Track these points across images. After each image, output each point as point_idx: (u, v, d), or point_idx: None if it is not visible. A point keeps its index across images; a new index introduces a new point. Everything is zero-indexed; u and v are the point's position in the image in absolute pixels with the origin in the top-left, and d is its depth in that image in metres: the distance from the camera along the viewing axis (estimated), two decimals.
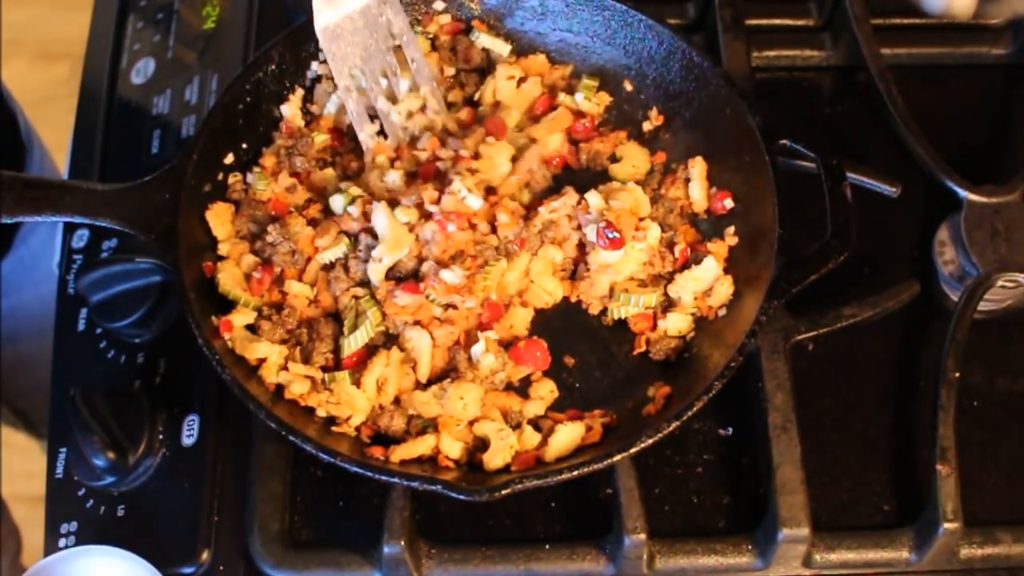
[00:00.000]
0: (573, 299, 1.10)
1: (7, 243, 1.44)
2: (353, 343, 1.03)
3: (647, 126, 1.15)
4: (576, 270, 1.10)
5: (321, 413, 1.01)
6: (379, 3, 1.10)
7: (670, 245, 1.09)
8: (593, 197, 1.09)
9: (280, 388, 1.02)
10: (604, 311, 1.09)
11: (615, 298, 1.07)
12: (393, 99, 1.14)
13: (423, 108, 1.15)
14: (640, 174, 1.13)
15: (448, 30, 1.19)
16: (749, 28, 1.24)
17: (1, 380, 1.53)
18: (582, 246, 1.10)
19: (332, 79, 1.13)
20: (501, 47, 1.18)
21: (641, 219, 1.09)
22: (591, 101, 1.16)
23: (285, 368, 1.02)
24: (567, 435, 1.00)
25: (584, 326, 1.09)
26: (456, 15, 1.18)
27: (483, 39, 1.18)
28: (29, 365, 1.45)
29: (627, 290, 1.07)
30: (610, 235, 1.05)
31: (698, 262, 1.07)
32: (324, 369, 1.03)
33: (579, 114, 1.16)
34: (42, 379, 1.13)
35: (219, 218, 1.08)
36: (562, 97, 1.15)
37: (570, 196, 1.09)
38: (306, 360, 1.03)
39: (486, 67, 1.19)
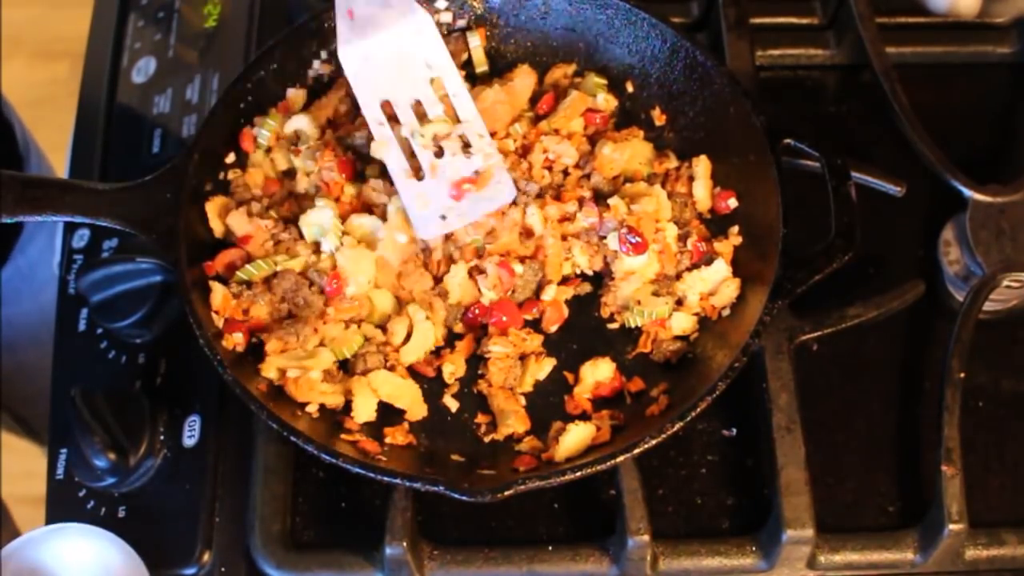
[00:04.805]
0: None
1: (5, 253, 1.43)
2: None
3: (651, 126, 1.15)
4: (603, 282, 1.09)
5: (311, 409, 1.01)
6: (413, 32, 1.05)
7: (683, 241, 1.08)
8: (614, 203, 1.07)
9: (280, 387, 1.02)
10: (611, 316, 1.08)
11: (628, 309, 1.06)
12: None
13: (466, 146, 1.08)
14: (645, 172, 1.13)
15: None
16: (753, 27, 1.23)
17: (1, 388, 1.52)
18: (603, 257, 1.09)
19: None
20: (481, 61, 1.17)
21: (657, 220, 1.08)
22: (606, 100, 1.15)
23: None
24: (578, 435, 1.00)
25: (589, 325, 1.08)
26: (458, 14, 1.18)
27: (475, 47, 1.17)
28: (29, 373, 1.45)
29: (639, 302, 1.05)
30: (632, 240, 1.04)
31: (708, 263, 1.06)
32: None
33: (592, 111, 1.15)
34: (42, 387, 1.12)
35: (216, 211, 1.07)
36: (572, 93, 1.14)
37: (588, 209, 1.08)
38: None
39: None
